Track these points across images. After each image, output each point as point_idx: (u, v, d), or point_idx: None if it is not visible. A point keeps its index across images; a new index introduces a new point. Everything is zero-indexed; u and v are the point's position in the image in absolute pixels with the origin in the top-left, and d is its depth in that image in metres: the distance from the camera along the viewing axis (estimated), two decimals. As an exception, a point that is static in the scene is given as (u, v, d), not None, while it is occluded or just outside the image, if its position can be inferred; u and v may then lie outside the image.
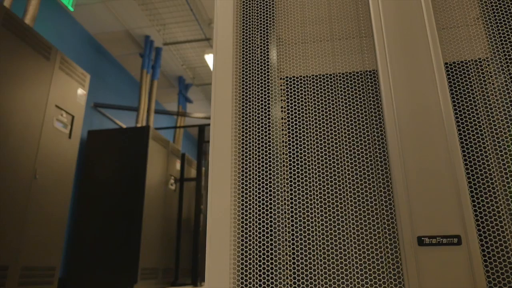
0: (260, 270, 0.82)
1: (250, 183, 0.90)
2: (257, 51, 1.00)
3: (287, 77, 0.98)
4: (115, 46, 5.27)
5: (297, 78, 0.97)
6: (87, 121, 4.70)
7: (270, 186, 0.89)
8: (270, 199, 0.88)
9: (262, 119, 0.94)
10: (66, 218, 2.97)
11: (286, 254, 0.84)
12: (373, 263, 0.81)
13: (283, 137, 0.94)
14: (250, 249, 0.84)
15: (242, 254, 0.84)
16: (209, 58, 4.93)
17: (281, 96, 0.97)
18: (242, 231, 0.87)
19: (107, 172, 4.12)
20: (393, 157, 0.82)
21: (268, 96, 0.96)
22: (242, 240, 0.86)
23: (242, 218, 0.87)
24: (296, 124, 0.94)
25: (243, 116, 0.95)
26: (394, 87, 0.85)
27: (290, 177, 0.90)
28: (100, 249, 3.84)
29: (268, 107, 0.95)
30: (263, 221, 0.87)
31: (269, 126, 0.94)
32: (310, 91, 0.95)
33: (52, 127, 2.89)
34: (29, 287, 2.53)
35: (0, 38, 2.42)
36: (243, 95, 0.97)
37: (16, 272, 2.42)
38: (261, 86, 0.97)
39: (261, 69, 0.99)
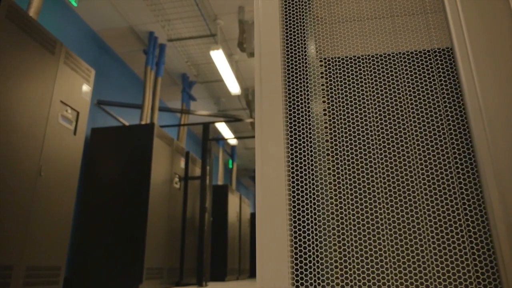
0: (318, 267, 0.74)
1: (302, 174, 0.82)
2: (302, 31, 0.92)
3: (338, 57, 0.90)
4: (118, 42, 5.18)
5: (353, 58, 0.88)
6: (90, 118, 4.60)
7: (320, 178, 0.81)
8: (326, 194, 0.80)
9: (307, 107, 0.86)
10: (71, 217, 2.88)
11: (352, 250, 0.76)
12: (455, 260, 0.72)
13: (340, 126, 0.86)
14: (306, 246, 0.76)
15: (300, 251, 0.76)
16: (214, 55, 4.83)
17: (335, 75, 0.89)
18: (295, 226, 0.78)
19: (111, 170, 4.03)
20: (478, 143, 0.74)
21: (310, 77, 0.88)
22: (296, 237, 0.77)
23: (296, 213, 0.79)
24: (353, 105, 0.86)
25: (290, 102, 0.87)
26: (476, 66, 0.77)
27: (351, 168, 0.82)
28: (105, 249, 3.75)
29: (313, 89, 0.87)
30: (315, 217, 0.79)
31: (318, 112, 0.85)
32: (367, 71, 0.87)
33: (57, 123, 2.80)
34: (34, 287, 2.44)
35: (4, 31, 2.33)
36: (288, 77, 0.89)
37: (20, 272, 2.34)
38: (308, 67, 0.89)
39: (306, 50, 0.91)
